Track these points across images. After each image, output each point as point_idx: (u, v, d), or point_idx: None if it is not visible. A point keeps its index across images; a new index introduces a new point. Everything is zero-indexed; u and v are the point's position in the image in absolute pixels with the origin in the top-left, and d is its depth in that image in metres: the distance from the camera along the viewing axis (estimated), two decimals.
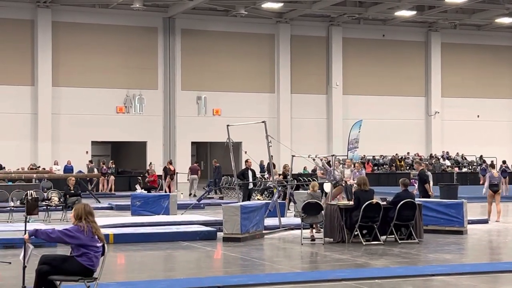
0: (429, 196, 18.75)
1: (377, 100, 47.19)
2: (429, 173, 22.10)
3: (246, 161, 23.22)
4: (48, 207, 20.36)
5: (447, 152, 47.93)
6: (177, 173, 34.71)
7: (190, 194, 33.19)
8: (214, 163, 35.72)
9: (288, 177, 22.60)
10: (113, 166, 39.25)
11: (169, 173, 33.68)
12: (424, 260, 13.09)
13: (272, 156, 19.95)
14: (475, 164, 47.86)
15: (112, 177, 37.97)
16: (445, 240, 15.62)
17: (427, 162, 40.29)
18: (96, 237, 8.07)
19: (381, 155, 46.03)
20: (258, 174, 37.60)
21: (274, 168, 30.91)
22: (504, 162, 38.25)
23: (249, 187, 22.95)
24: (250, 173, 22.83)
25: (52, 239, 8.07)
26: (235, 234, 15.33)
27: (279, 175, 24.52)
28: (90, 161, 39.44)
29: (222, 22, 44.38)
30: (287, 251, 14.88)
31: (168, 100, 43.33)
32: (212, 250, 14.54)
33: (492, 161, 30.13)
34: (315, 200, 15.50)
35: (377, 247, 14.50)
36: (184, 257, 13.94)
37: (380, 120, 46.72)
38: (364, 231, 15.11)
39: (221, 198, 30.69)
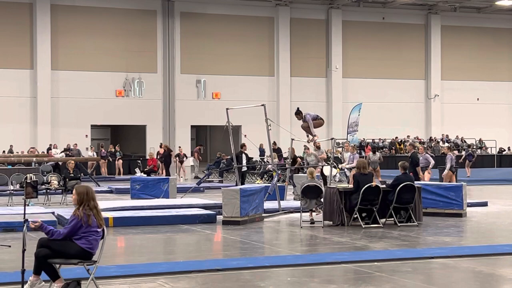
0: (419, 180, 18.70)
1: (376, 83, 47.14)
2: (430, 158, 22.16)
3: (242, 145, 23.33)
4: (48, 191, 20.38)
5: (447, 135, 47.91)
6: (181, 155, 34.76)
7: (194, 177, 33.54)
8: (223, 157, 35.57)
9: (288, 160, 22.62)
10: (118, 150, 39.01)
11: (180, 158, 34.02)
12: (423, 243, 13.11)
13: (274, 142, 19.97)
14: (474, 147, 47.86)
15: (120, 161, 37.81)
16: (444, 223, 15.64)
17: (426, 146, 40.28)
18: (94, 221, 8.05)
19: (380, 139, 46.01)
20: (258, 158, 37.74)
21: (280, 152, 30.95)
22: (469, 146, 38.56)
23: (242, 170, 23.03)
24: (244, 156, 22.95)
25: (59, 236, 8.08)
26: (234, 217, 15.35)
27: (287, 159, 24.41)
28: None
29: (221, 5, 44.22)
30: (286, 234, 14.90)
31: (168, 83, 43.26)
32: (212, 233, 14.56)
33: (453, 144, 29.79)
34: (314, 183, 15.51)
35: (377, 230, 14.53)
36: (184, 240, 13.96)
37: (379, 103, 46.67)
38: (364, 214, 15.13)
39: (221, 181, 30.73)
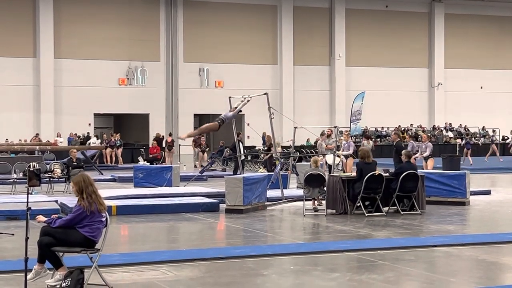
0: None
1: (380, 71, 47.06)
2: (431, 146, 22.12)
3: (238, 134, 23.30)
4: (51, 179, 20.40)
5: (450, 124, 47.85)
6: (170, 144, 34.77)
7: (195, 166, 33.48)
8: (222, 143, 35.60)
9: (278, 149, 22.51)
10: (119, 138, 38.99)
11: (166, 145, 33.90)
12: (427, 231, 13.10)
13: (239, 133, 19.93)
14: (478, 135, 47.79)
15: (120, 150, 37.82)
16: (448, 211, 15.63)
17: (429, 134, 40.21)
18: (97, 208, 8.05)
19: (383, 127, 45.96)
20: (260, 147, 37.71)
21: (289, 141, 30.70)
22: (467, 134, 38.71)
23: (240, 159, 23.01)
24: (240, 145, 22.96)
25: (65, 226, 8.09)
26: (237, 206, 15.35)
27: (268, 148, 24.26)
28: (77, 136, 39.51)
29: None
30: (289, 223, 14.90)
31: (171, 72, 43.23)
32: (215, 221, 14.56)
33: (414, 133, 29.32)
34: (318, 172, 15.50)
35: (380, 218, 14.52)
36: (187, 228, 13.97)
37: (383, 92, 46.61)
38: (367, 203, 15.12)
39: (224, 170, 30.73)
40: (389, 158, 29.74)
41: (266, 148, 23.53)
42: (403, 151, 16.28)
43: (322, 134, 25.28)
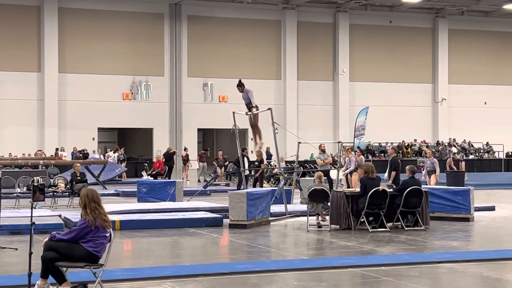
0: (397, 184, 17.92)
1: (384, 86, 47.09)
2: (437, 162, 22.09)
3: (243, 149, 23.26)
4: (55, 193, 20.39)
5: (454, 139, 47.81)
6: (185, 159, 34.85)
7: (198, 181, 33.50)
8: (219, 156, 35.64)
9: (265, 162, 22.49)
10: (122, 153, 38.95)
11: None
12: (431, 247, 13.06)
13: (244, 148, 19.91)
14: (482, 151, 47.75)
15: (123, 164, 37.81)
16: (452, 227, 15.59)
17: (433, 150, 40.19)
18: (101, 224, 8.04)
19: (387, 142, 45.94)
20: (265, 162, 37.66)
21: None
22: (462, 149, 38.71)
23: (244, 174, 22.98)
24: (245, 160, 22.91)
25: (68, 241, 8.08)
26: (241, 221, 15.32)
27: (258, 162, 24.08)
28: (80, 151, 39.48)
29: (228, 8, 44.26)
30: (293, 238, 14.87)
31: (175, 86, 43.32)
32: (218, 236, 14.54)
33: (460, 148, 28.96)
34: (321, 187, 15.48)
35: (384, 234, 14.48)
36: (191, 243, 13.95)
37: (387, 107, 46.63)
38: (371, 218, 15.08)
39: (227, 184, 30.69)
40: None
41: (257, 163, 23.39)
42: (407, 167, 16.23)
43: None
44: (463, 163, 33.16)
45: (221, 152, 34.67)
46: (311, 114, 45.69)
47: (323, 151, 23.22)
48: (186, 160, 34.48)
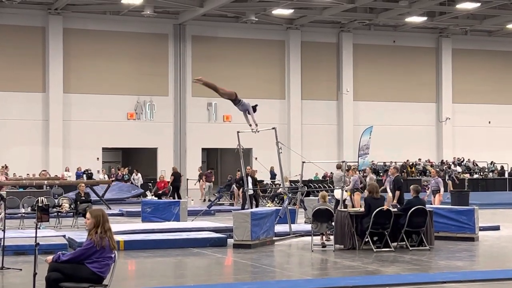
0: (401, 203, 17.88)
1: (387, 106, 47.14)
2: (441, 182, 22.01)
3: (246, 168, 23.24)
4: (59, 214, 20.39)
5: (458, 158, 47.75)
6: (187, 179, 34.83)
7: (204, 200, 33.48)
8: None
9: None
10: (126, 172, 39.04)
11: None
12: (435, 267, 13.02)
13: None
14: (486, 170, 47.67)
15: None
16: (457, 247, 15.54)
17: (438, 169, 40.11)
18: (108, 245, 8.04)
19: (391, 161, 45.86)
20: (269, 181, 37.67)
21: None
22: (449, 167, 38.67)
23: (248, 194, 22.94)
24: (250, 180, 22.85)
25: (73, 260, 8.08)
26: (245, 241, 15.29)
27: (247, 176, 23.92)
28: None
29: (232, 28, 44.45)
30: (297, 258, 14.84)
31: (179, 106, 43.42)
32: (223, 256, 14.51)
33: (350, 166, 28.03)
34: (326, 207, 15.46)
35: (388, 254, 14.44)
36: (195, 263, 13.92)
37: (391, 126, 46.65)
38: (375, 238, 15.04)
39: (232, 204, 30.65)
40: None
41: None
42: (411, 186, 16.21)
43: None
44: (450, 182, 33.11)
45: (239, 172, 34.59)
46: (315, 134, 45.73)
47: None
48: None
